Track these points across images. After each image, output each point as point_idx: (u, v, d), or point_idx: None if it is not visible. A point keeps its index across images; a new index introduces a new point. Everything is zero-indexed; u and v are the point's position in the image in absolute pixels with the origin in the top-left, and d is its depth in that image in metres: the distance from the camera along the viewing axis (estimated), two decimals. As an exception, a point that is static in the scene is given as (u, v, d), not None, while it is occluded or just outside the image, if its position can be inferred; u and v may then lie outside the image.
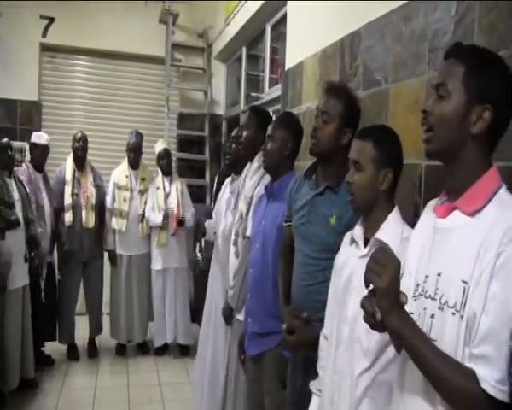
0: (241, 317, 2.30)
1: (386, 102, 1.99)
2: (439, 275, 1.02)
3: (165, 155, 4.12)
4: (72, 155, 3.98)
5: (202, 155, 5.45)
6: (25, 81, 4.95)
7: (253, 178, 2.38)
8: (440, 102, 1.03)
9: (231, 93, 5.49)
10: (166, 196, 4.04)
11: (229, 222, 2.66)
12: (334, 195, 1.65)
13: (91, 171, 4.02)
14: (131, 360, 4.02)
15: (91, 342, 4.13)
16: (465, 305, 0.94)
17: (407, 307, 1.03)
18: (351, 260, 1.42)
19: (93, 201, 3.89)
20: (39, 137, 3.79)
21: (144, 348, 4.20)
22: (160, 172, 4.16)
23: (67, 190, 3.84)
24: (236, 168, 2.79)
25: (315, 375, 1.55)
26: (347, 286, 1.39)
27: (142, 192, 4.09)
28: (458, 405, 0.95)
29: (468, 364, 0.92)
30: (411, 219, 1.60)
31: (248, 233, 2.21)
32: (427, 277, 1.05)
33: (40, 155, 3.75)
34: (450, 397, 0.95)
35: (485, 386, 0.88)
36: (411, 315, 1.03)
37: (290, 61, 3.12)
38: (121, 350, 4.14)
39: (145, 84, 5.47)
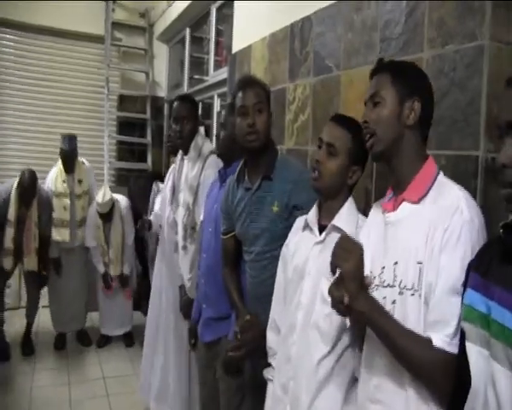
0: None
1: (337, 88, 1.99)
2: (395, 264, 1.10)
3: (105, 212, 3.74)
4: (16, 191, 3.45)
5: (144, 138, 5.28)
6: None
7: (194, 168, 2.36)
8: (376, 108, 1.15)
9: (174, 75, 5.35)
10: (107, 241, 3.82)
11: (172, 211, 2.66)
12: (270, 182, 1.66)
13: (37, 204, 3.57)
14: (72, 354, 3.80)
15: (26, 337, 3.82)
16: (421, 282, 1.03)
17: None
18: (304, 246, 1.42)
19: (36, 244, 3.58)
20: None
21: (86, 340, 4.01)
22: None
23: (9, 232, 3.46)
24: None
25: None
26: (302, 272, 1.39)
27: (80, 196, 3.86)
28: (422, 375, 1.00)
29: (426, 334, 1.00)
30: (363, 205, 1.66)
31: (201, 218, 2.18)
32: (383, 268, 1.13)
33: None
34: (415, 369, 1.01)
35: (437, 343, 0.97)
36: None
37: (237, 45, 3.06)
38: (60, 343, 3.92)
39: (83, 64, 5.17)
